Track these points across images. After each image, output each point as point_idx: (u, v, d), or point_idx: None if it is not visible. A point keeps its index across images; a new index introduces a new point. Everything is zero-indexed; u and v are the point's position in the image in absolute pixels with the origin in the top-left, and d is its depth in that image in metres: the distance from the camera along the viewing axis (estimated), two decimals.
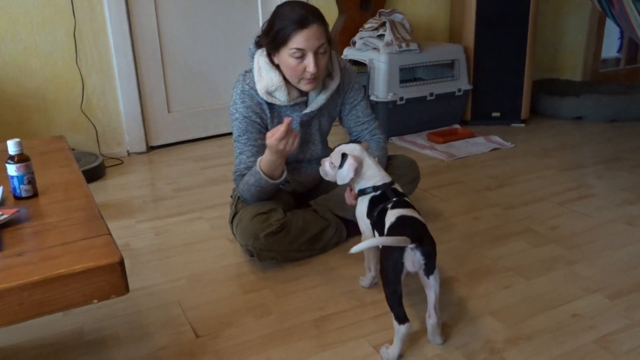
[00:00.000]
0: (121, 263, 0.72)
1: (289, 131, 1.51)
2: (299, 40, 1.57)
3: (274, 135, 1.52)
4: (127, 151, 2.96)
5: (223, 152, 2.93)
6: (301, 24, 1.56)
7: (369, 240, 1.27)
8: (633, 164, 2.58)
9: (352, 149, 1.49)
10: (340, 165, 1.46)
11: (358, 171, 1.46)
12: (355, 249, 1.23)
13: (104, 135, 2.89)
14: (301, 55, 1.59)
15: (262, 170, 1.63)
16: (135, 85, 2.87)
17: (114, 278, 0.71)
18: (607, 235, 1.87)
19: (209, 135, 3.19)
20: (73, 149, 2.76)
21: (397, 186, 1.47)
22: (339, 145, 1.54)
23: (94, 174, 2.59)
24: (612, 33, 4.47)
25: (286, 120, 1.50)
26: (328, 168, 1.52)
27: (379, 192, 1.44)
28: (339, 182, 1.48)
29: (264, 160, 1.62)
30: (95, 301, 0.72)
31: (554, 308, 1.47)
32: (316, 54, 1.60)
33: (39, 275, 0.69)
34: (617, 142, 2.92)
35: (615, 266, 1.67)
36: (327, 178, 1.54)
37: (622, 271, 1.64)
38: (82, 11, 2.66)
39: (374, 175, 1.46)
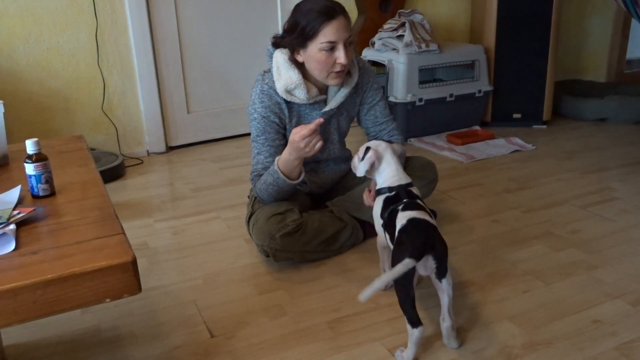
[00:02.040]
0: (134, 262, 0.72)
1: (315, 131, 1.52)
2: (329, 32, 1.57)
3: (299, 132, 1.52)
4: (147, 151, 2.99)
5: (241, 153, 2.95)
6: (329, 16, 1.56)
7: (378, 282, 1.23)
8: None
9: (377, 144, 1.51)
10: (362, 158, 1.48)
11: (376, 166, 1.48)
12: (364, 295, 1.20)
13: (125, 135, 2.92)
14: (331, 47, 1.59)
15: (280, 170, 1.63)
16: (156, 86, 2.90)
17: (126, 277, 0.72)
18: (629, 240, 1.83)
19: (228, 136, 3.21)
20: (94, 149, 2.80)
21: (414, 189, 1.45)
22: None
23: (114, 174, 2.62)
24: (638, 34, 4.38)
25: (318, 120, 1.52)
26: (356, 160, 1.53)
27: (393, 193, 1.43)
28: (357, 174, 1.50)
29: (282, 159, 1.63)
30: (108, 300, 0.72)
31: (573, 314, 1.44)
32: (345, 45, 1.59)
33: (52, 274, 0.70)
34: None
35: (637, 272, 1.63)
36: (354, 172, 1.55)
37: None
38: (104, 12, 2.69)
39: (392, 175, 1.46)
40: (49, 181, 1.04)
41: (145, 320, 1.49)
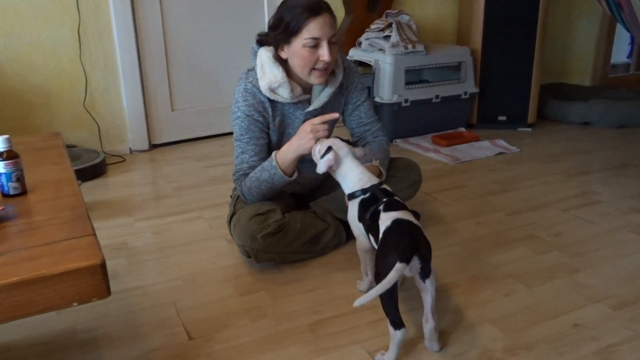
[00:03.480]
0: (103, 265, 0.70)
1: (328, 121, 1.56)
2: (313, 28, 1.55)
3: (314, 119, 1.56)
4: (130, 149, 2.95)
5: (226, 152, 2.92)
6: (314, 12, 1.55)
7: (374, 290, 1.21)
8: None
9: (339, 147, 1.49)
10: (322, 156, 1.49)
11: (334, 169, 1.49)
12: (359, 303, 1.18)
13: (107, 133, 2.88)
14: (315, 44, 1.57)
15: (278, 164, 1.61)
16: (139, 83, 2.86)
17: (95, 281, 0.69)
18: (612, 243, 1.84)
19: (213, 135, 3.18)
20: (75, 146, 2.75)
21: (386, 186, 1.44)
22: (337, 137, 1.55)
23: (95, 171, 2.58)
24: (622, 38, 4.42)
25: (334, 115, 1.57)
26: (317, 151, 1.53)
27: (367, 195, 1.41)
28: (317, 170, 1.51)
29: (281, 155, 1.62)
30: (75, 304, 0.70)
31: (555, 317, 1.43)
32: (329, 43, 1.58)
33: (18, 277, 0.67)
34: (625, 149, 2.87)
35: (619, 276, 1.63)
36: (313, 158, 1.56)
37: (626, 281, 1.60)
38: (87, 7, 2.65)
39: (360, 179, 1.45)
40: (20, 179, 1.01)
41: (122, 321, 1.46)
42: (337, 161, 1.48)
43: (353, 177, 1.46)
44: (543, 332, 1.37)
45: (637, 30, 2.51)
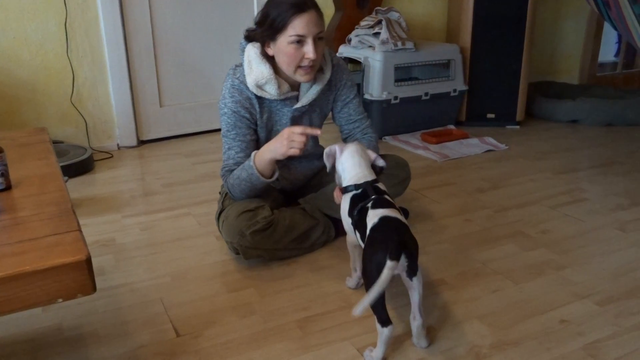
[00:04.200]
0: (88, 261, 0.69)
1: (307, 135, 1.52)
2: (298, 25, 1.54)
3: (296, 127, 1.53)
4: (118, 145, 2.93)
5: (215, 148, 2.90)
6: (300, 8, 1.54)
7: (369, 296, 1.20)
8: (627, 169, 2.56)
9: (341, 146, 1.50)
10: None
11: (337, 164, 1.50)
12: (357, 311, 1.16)
13: (95, 128, 2.85)
14: (300, 41, 1.56)
15: (255, 165, 1.60)
16: (127, 78, 2.84)
17: (80, 276, 0.68)
18: (598, 240, 1.85)
19: (202, 131, 3.16)
20: (62, 142, 2.72)
21: (380, 185, 1.44)
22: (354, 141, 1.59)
23: (82, 167, 2.55)
24: (610, 37, 4.46)
25: (316, 131, 1.53)
26: (325, 154, 1.54)
27: (359, 191, 1.41)
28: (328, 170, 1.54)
29: (259, 154, 1.60)
30: (60, 300, 0.69)
31: (542, 313, 1.44)
32: (315, 41, 1.57)
33: (1, 272, 0.66)
34: (611, 147, 2.90)
35: (605, 272, 1.65)
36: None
37: (612, 277, 1.62)
38: (73, 2, 2.62)
39: (356, 173, 1.44)
40: (4, 174, 0.99)
41: (109, 318, 1.45)
42: (333, 156, 1.50)
43: (351, 170, 1.46)
44: (530, 328, 1.38)
45: (624, 28, 2.54)
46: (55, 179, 0.99)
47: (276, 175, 1.66)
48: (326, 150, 1.52)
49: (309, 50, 1.56)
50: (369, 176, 1.44)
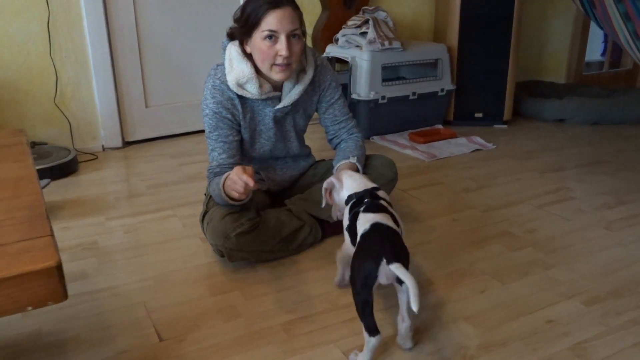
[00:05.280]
0: (59, 267, 0.67)
1: (249, 186, 1.41)
2: (271, 20, 1.52)
3: (242, 175, 1.41)
4: (102, 146, 2.89)
5: (202, 149, 2.88)
6: (274, 4, 1.52)
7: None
8: (614, 167, 2.57)
9: (337, 175, 1.53)
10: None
11: (337, 189, 1.50)
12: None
13: (79, 130, 2.81)
14: (273, 38, 1.54)
15: (223, 189, 1.56)
16: (112, 79, 2.80)
17: (51, 283, 0.66)
18: (584, 239, 1.85)
19: (188, 132, 3.13)
20: (45, 143, 2.68)
21: (380, 192, 1.43)
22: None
23: (66, 169, 2.51)
24: (596, 36, 4.48)
25: (257, 185, 1.43)
26: (323, 189, 1.54)
27: (356, 198, 1.40)
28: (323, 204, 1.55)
29: (229, 179, 1.52)
30: (30, 308, 0.66)
31: (528, 314, 1.44)
32: (289, 38, 1.55)
33: None
34: (598, 146, 2.91)
35: (591, 271, 1.64)
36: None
37: (598, 276, 1.61)
38: (56, 1, 2.58)
39: (358, 184, 1.45)
40: None
41: (91, 323, 1.42)
42: (332, 187, 1.50)
43: (352, 185, 1.46)
44: (517, 329, 1.38)
45: (610, 28, 2.54)
46: (30, 182, 0.97)
47: (246, 200, 1.59)
48: (324, 186, 1.51)
49: (281, 47, 1.54)
50: (369, 185, 1.44)
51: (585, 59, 4.31)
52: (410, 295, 1.12)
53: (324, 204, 1.53)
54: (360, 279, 1.20)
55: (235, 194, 1.49)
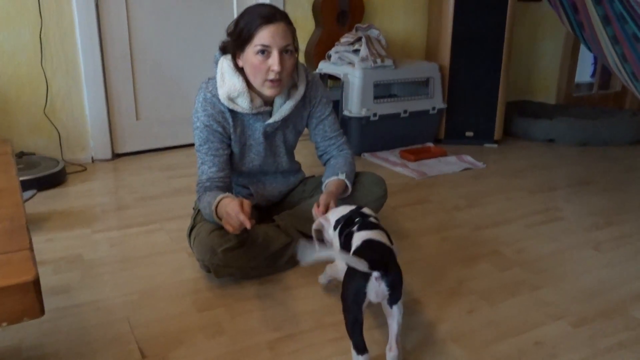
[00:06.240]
0: (36, 282, 0.65)
1: (244, 225, 1.41)
2: (264, 35, 1.53)
3: (239, 212, 1.40)
4: (92, 158, 2.87)
5: (191, 162, 2.86)
6: (268, 19, 1.53)
7: (326, 251, 1.20)
8: (602, 188, 2.58)
9: (324, 216, 1.52)
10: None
11: (326, 228, 1.50)
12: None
13: (68, 140, 2.79)
14: (266, 52, 1.54)
15: (216, 212, 1.55)
16: (103, 90, 2.79)
17: (27, 299, 0.64)
18: (573, 260, 1.85)
19: (179, 145, 3.12)
20: (34, 154, 2.66)
21: (366, 209, 1.44)
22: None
23: (54, 180, 2.49)
24: (586, 58, 4.54)
25: (252, 224, 1.40)
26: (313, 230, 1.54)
27: (344, 220, 1.40)
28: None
29: (221, 206, 1.52)
30: (5, 324, 0.65)
31: (516, 335, 1.43)
32: (281, 54, 1.55)
33: None
34: (587, 166, 2.93)
35: (580, 292, 1.64)
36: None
37: (586, 297, 1.61)
38: (49, 10, 2.58)
39: (342, 210, 1.47)
40: None
41: (72, 338, 1.40)
42: (326, 219, 1.49)
43: (337, 213, 1.47)
44: (504, 350, 1.36)
45: (598, 50, 2.57)
46: (12, 194, 0.95)
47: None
48: (314, 227, 1.51)
49: (273, 62, 1.54)
50: (353, 206, 1.44)
51: (575, 80, 4.37)
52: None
53: (316, 252, 1.38)
54: (350, 295, 1.18)
55: (228, 228, 1.46)
